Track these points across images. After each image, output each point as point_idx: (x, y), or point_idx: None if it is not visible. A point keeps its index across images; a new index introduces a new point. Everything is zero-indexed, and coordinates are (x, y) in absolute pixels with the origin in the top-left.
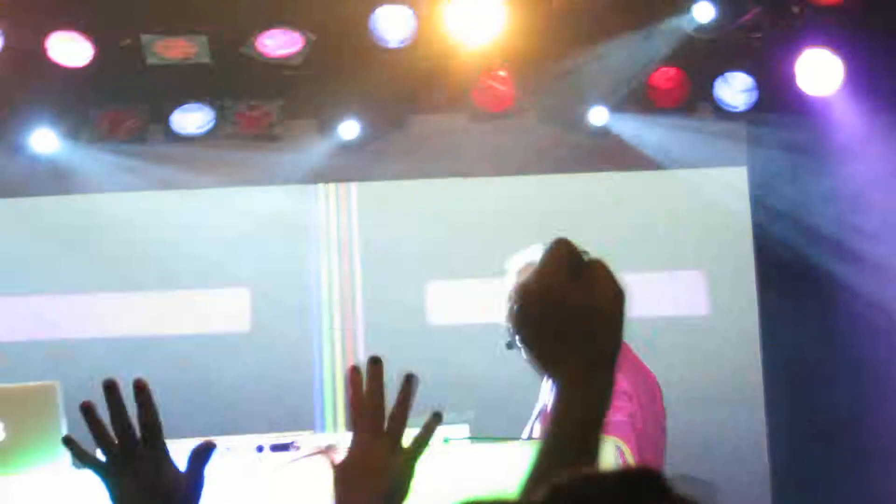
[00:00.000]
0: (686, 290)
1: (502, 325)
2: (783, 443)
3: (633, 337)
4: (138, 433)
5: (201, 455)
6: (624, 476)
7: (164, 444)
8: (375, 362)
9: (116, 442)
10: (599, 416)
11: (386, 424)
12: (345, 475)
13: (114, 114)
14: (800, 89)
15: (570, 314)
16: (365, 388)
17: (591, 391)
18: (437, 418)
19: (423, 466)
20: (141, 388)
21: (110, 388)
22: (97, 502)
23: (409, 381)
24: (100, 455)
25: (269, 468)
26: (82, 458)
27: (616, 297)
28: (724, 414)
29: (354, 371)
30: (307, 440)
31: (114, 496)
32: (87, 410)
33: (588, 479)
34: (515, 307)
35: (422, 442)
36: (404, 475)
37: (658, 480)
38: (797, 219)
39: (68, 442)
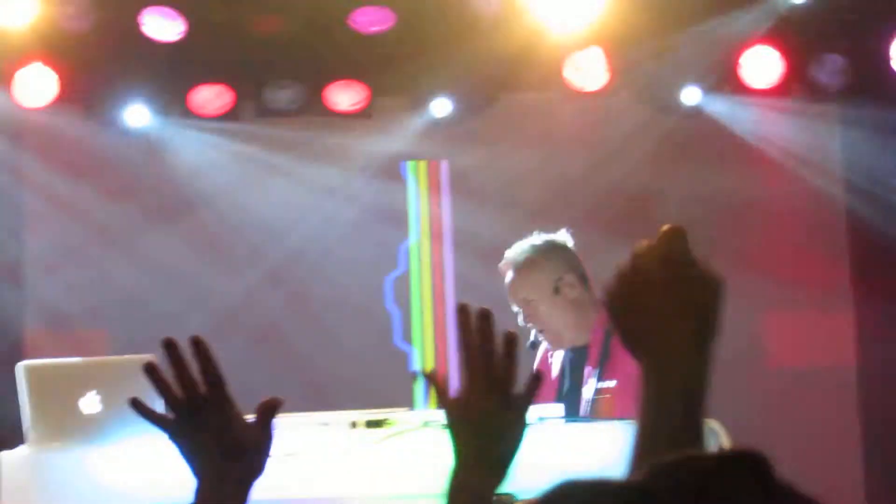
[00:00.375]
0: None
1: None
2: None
3: None
4: (202, 388)
5: (269, 409)
6: (727, 458)
7: (229, 397)
8: (486, 317)
9: (182, 398)
10: (701, 396)
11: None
12: (458, 415)
13: (206, 89)
14: (894, 71)
15: (675, 295)
16: (475, 338)
17: (694, 371)
18: (537, 378)
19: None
20: (198, 344)
21: (170, 346)
22: (185, 482)
23: (512, 338)
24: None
25: (364, 443)
26: (149, 417)
27: (718, 286)
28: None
29: (462, 311)
30: (402, 417)
31: (184, 452)
32: (151, 369)
33: (690, 459)
34: (617, 286)
35: (529, 396)
36: (518, 428)
37: (763, 462)
38: (891, 201)
39: (134, 403)
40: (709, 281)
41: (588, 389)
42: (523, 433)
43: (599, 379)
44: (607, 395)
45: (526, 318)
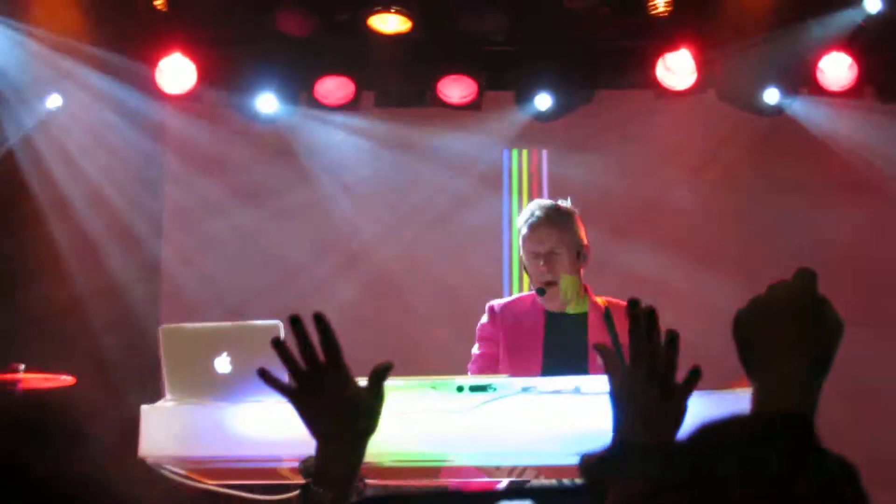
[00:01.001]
0: None
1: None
2: None
3: None
4: (322, 358)
5: (380, 374)
6: (773, 419)
7: (345, 366)
8: (652, 314)
9: (304, 367)
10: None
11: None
12: (621, 395)
13: (330, 82)
14: None
15: (800, 329)
16: (642, 331)
17: (803, 402)
18: (696, 373)
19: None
20: (320, 319)
21: (295, 322)
22: (305, 436)
23: (674, 336)
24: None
25: (468, 406)
26: (274, 385)
27: (839, 328)
28: None
29: (633, 305)
30: (504, 382)
31: (304, 416)
32: (278, 343)
33: (738, 420)
34: (748, 312)
35: (689, 388)
36: (677, 415)
37: (804, 424)
38: None
39: (262, 373)
40: (832, 322)
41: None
42: (682, 420)
43: (618, 351)
44: None
45: (546, 265)
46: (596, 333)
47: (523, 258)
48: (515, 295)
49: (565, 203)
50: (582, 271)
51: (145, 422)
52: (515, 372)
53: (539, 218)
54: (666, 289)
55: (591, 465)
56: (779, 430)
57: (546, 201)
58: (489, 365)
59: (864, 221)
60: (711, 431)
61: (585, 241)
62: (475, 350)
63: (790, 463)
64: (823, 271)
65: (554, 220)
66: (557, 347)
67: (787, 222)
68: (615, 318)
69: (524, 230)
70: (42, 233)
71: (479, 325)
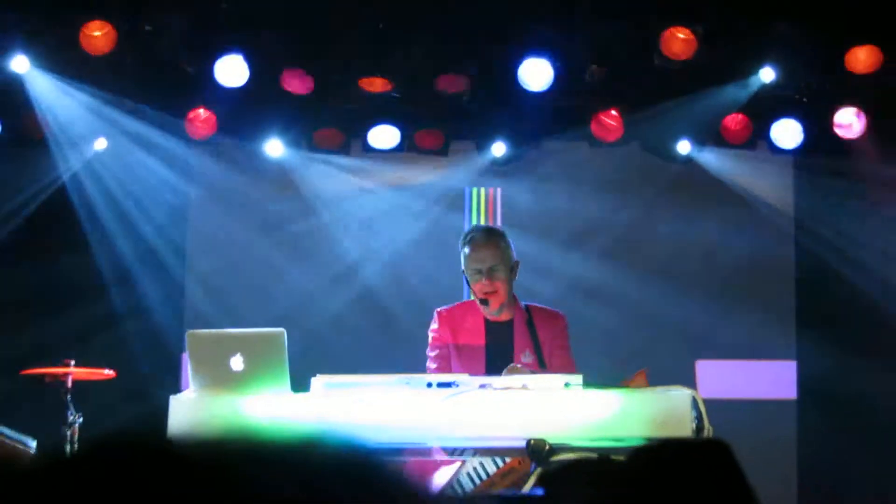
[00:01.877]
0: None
1: None
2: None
3: None
4: None
5: None
6: (699, 444)
7: None
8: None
9: None
10: None
11: None
12: None
13: (326, 131)
14: (836, 135)
15: None
16: None
17: None
18: None
19: (549, 404)
20: None
21: None
22: (311, 419)
23: None
24: None
25: (436, 399)
26: None
27: None
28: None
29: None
30: (466, 380)
31: None
32: None
33: (669, 444)
34: None
35: None
36: None
37: (725, 448)
38: (825, 237)
39: None
40: None
41: (526, 356)
42: None
43: (538, 353)
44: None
45: (488, 278)
46: (520, 336)
47: (466, 273)
48: (457, 303)
49: (497, 226)
50: (511, 282)
51: (173, 409)
52: (464, 370)
53: (479, 239)
54: (598, 288)
55: (550, 477)
56: (701, 454)
57: (483, 225)
58: (444, 364)
59: (751, 240)
60: (649, 451)
61: (515, 258)
62: (430, 351)
63: (708, 479)
64: (714, 273)
65: (492, 240)
66: (495, 349)
67: (692, 242)
68: (536, 321)
69: (466, 250)
70: (87, 253)
71: (430, 329)
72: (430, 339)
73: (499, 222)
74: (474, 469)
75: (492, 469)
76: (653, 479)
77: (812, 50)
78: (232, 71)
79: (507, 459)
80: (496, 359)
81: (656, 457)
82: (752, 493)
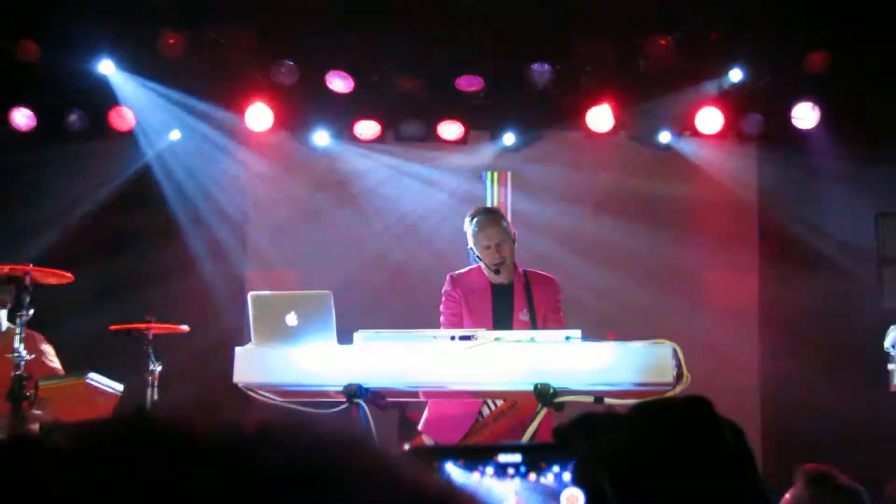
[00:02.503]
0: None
1: None
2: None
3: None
4: None
5: None
6: (685, 399)
7: None
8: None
9: None
10: None
11: None
12: None
13: (364, 123)
14: (794, 126)
15: None
16: None
17: None
18: None
19: (553, 354)
20: None
21: None
22: (348, 369)
23: None
24: None
25: (459, 350)
26: None
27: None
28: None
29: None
30: (483, 334)
31: None
32: None
33: (666, 401)
34: None
35: None
36: None
37: (707, 403)
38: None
39: None
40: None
41: (524, 314)
42: None
43: (531, 312)
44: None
45: (498, 249)
46: (519, 298)
47: (474, 248)
48: (465, 268)
49: (494, 207)
50: (513, 252)
51: (238, 359)
52: (474, 325)
53: (485, 220)
54: (589, 247)
55: (563, 430)
56: (688, 407)
57: (483, 207)
58: (456, 319)
59: (720, 213)
60: (644, 407)
61: (513, 231)
62: (444, 308)
63: (698, 427)
64: (689, 241)
65: (496, 220)
66: (498, 308)
67: (670, 217)
68: (532, 284)
69: (474, 229)
70: (164, 228)
71: (444, 290)
72: (443, 298)
73: (510, 199)
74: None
75: (498, 406)
76: (651, 431)
77: (774, 54)
78: (284, 73)
79: (500, 402)
80: (499, 316)
81: (654, 412)
82: (727, 443)
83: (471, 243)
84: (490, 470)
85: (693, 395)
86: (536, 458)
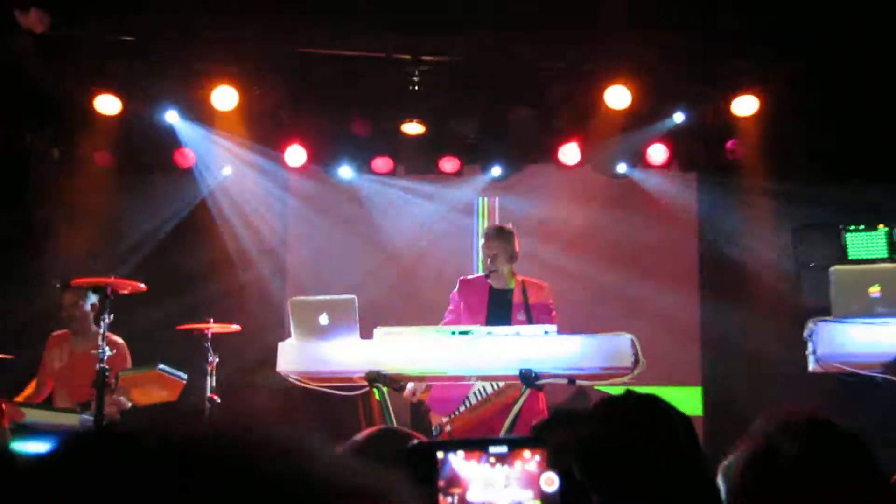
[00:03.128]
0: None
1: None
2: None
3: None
4: None
5: None
6: (643, 397)
7: None
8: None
9: None
10: None
11: None
12: None
13: (380, 159)
14: (727, 158)
15: None
16: None
17: None
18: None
19: (534, 345)
20: None
21: None
22: (369, 359)
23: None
24: None
25: (458, 342)
26: None
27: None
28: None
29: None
30: (478, 329)
31: None
32: None
33: (625, 398)
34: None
35: None
36: None
37: (661, 401)
38: (719, 230)
39: None
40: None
41: (521, 315)
42: None
43: (528, 312)
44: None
45: (491, 262)
46: (517, 301)
47: (480, 255)
48: (476, 274)
49: (508, 225)
50: (513, 265)
51: (280, 351)
52: (471, 322)
53: (488, 234)
54: (562, 266)
55: (540, 426)
56: (644, 403)
57: (497, 225)
58: (453, 317)
59: (667, 232)
60: (606, 403)
61: (517, 248)
62: (449, 308)
63: (652, 419)
64: (642, 256)
65: (495, 236)
66: (494, 308)
67: (627, 234)
68: (528, 290)
69: (481, 240)
70: (220, 245)
71: (452, 292)
72: (450, 300)
73: (496, 221)
74: (478, 390)
75: (489, 391)
76: (612, 423)
77: (709, 99)
78: (314, 120)
79: (499, 384)
80: (498, 315)
81: (615, 407)
82: (677, 432)
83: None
84: (484, 458)
85: (648, 394)
86: (519, 449)
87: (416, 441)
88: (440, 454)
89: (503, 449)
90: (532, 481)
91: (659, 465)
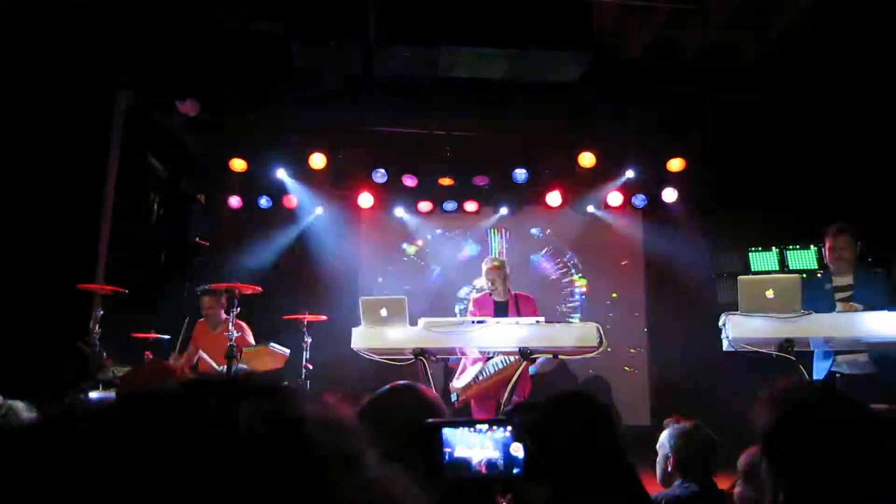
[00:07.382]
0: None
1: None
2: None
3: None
4: None
5: None
6: (580, 394)
7: None
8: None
9: None
10: None
11: None
12: None
13: (424, 203)
14: (663, 201)
15: None
16: None
17: None
18: None
19: (530, 330)
20: None
21: None
22: (415, 340)
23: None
24: None
25: (476, 328)
26: None
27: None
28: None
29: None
30: (490, 320)
31: None
32: None
33: (570, 395)
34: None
35: None
36: None
37: (595, 399)
38: (658, 252)
39: None
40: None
41: (516, 318)
42: None
43: (518, 314)
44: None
45: (490, 282)
46: (511, 310)
47: (483, 278)
48: (485, 291)
49: (503, 259)
50: (508, 283)
51: (354, 334)
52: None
53: (486, 265)
54: (551, 284)
55: (509, 412)
56: (581, 399)
57: (492, 256)
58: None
59: (620, 256)
60: (550, 398)
61: (508, 272)
62: (470, 307)
63: (587, 412)
64: (603, 275)
65: (494, 268)
66: (497, 315)
67: (592, 257)
68: (519, 301)
69: (484, 268)
70: (313, 262)
71: (472, 300)
72: (469, 306)
73: (505, 246)
74: (484, 368)
75: (491, 371)
76: (558, 412)
77: (651, 161)
78: (380, 176)
79: (502, 366)
80: (499, 317)
81: (561, 402)
82: (611, 423)
83: (482, 273)
84: (472, 430)
85: (577, 390)
86: (497, 425)
87: (428, 420)
88: (445, 430)
89: (485, 426)
90: (504, 448)
91: (583, 441)
